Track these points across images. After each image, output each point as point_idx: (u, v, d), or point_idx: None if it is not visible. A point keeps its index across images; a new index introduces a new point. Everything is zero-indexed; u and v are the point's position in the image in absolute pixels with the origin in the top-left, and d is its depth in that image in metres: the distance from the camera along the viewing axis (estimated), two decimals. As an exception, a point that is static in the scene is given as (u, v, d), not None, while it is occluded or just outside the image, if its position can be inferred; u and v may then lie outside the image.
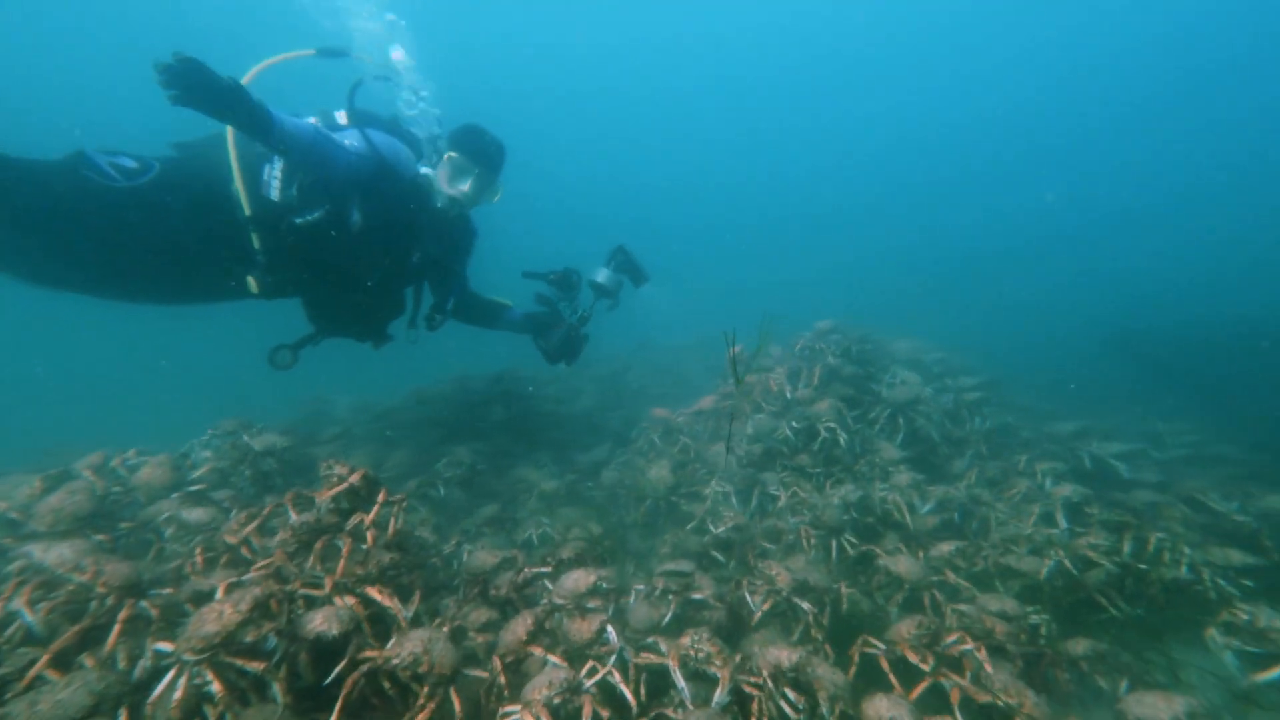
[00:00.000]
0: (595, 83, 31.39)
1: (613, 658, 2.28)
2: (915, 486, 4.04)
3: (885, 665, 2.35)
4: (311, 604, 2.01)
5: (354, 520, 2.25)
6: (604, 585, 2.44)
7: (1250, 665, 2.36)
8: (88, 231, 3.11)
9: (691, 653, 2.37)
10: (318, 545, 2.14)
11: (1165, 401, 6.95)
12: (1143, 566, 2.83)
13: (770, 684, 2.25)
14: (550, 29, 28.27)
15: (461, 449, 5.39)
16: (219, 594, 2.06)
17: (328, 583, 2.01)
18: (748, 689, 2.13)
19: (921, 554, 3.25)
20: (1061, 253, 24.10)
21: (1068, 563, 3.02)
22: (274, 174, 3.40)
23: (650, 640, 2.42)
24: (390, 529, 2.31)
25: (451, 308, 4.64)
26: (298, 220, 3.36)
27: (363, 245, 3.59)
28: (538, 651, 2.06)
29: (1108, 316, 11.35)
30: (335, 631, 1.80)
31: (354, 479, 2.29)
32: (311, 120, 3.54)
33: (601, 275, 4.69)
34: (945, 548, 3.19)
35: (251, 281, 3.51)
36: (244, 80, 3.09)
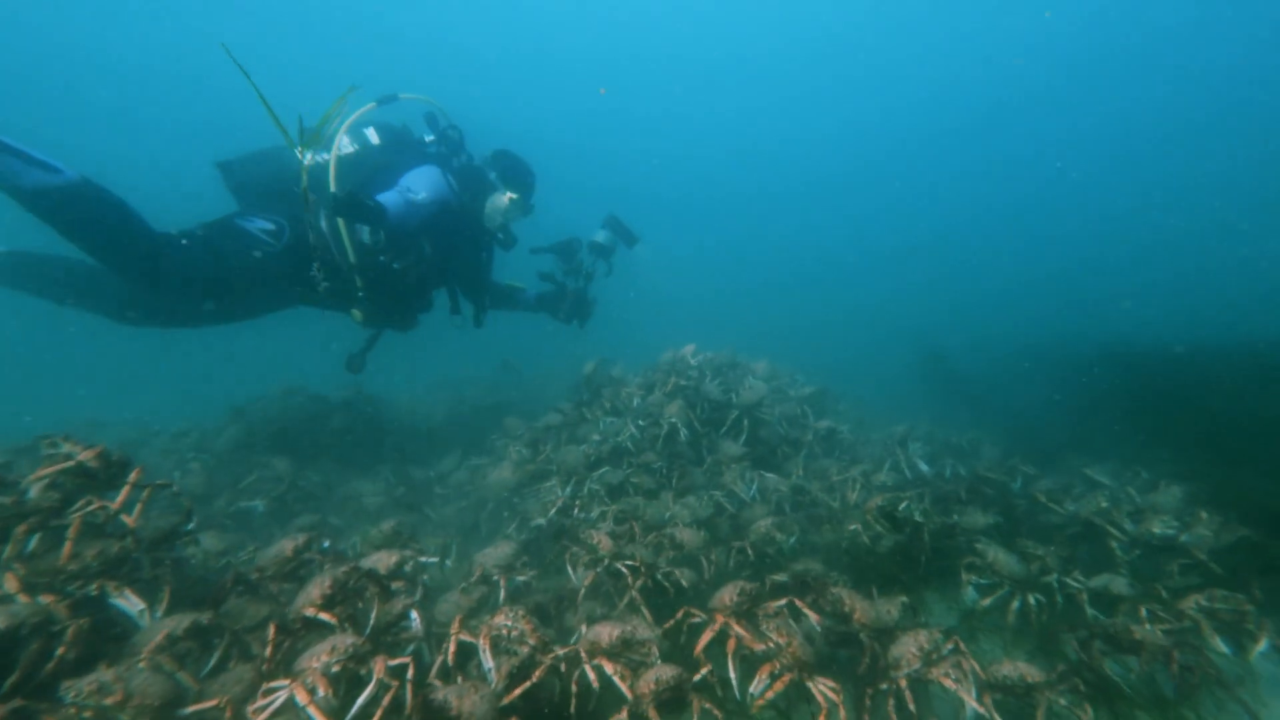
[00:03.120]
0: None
1: (412, 646, 2.10)
2: (742, 475, 4.32)
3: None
4: None
5: (82, 506, 1.85)
6: (409, 567, 2.25)
7: (984, 594, 2.82)
8: (252, 282, 4.10)
9: (504, 631, 2.26)
10: (19, 532, 1.72)
11: (959, 412, 8.17)
12: (918, 519, 3.28)
13: (584, 655, 2.22)
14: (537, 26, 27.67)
15: (280, 461, 4.77)
16: None
17: (9, 579, 1.60)
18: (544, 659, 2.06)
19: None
20: (883, 269, 27.54)
21: (865, 536, 3.38)
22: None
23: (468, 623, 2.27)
24: (135, 515, 1.93)
25: (488, 304, 5.43)
26: (395, 265, 4.30)
27: (431, 268, 4.59)
28: (329, 619, 1.80)
29: (917, 331, 13.20)
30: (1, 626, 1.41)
31: (85, 455, 1.90)
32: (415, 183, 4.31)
33: (600, 235, 5.35)
34: (763, 524, 3.42)
35: (356, 314, 4.41)
36: (342, 130, 4.19)
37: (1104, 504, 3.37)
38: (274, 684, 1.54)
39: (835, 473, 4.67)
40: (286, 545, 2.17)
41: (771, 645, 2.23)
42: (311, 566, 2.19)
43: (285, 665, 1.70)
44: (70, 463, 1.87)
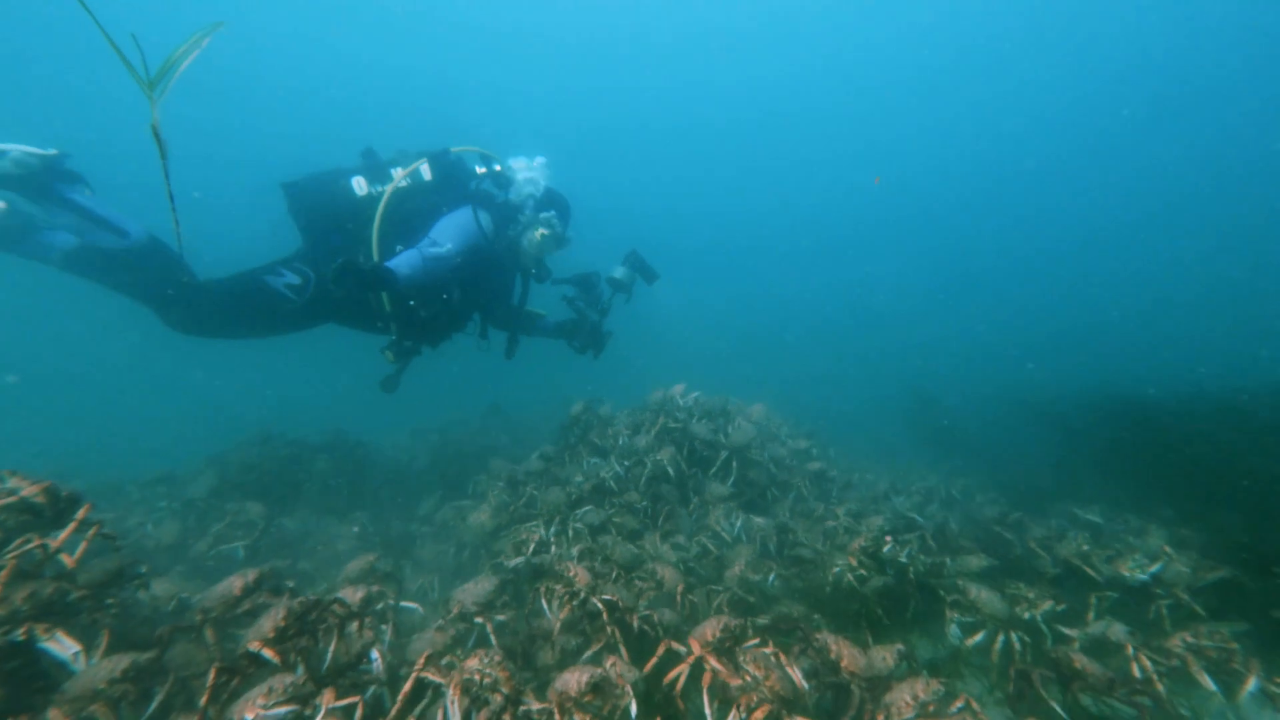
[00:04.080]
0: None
1: (372, 689, 1.99)
2: (727, 515, 4.24)
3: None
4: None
5: (20, 544, 1.79)
6: (380, 606, 2.16)
7: (967, 633, 2.73)
8: (281, 325, 4.46)
9: (477, 677, 2.15)
10: (-45, 571, 1.65)
11: (950, 461, 8.12)
12: (902, 560, 3.21)
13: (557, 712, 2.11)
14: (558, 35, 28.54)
15: (254, 507, 4.64)
16: None
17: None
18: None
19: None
20: (878, 321, 27.87)
21: (850, 576, 3.29)
22: None
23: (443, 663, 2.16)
24: (77, 555, 1.86)
25: (518, 333, 5.49)
26: (424, 314, 4.46)
27: (460, 309, 4.78)
28: (272, 656, 1.69)
29: (908, 383, 13.27)
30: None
31: (30, 491, 1.85)
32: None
33: (618, 271, 5.42)
34: (739, 567, 3.32)
35: (388, 355, 4.61)
36: (383, 203, 4.28)
37: (1085, 546, 3.32)
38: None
39: (822, 514, 4.60)
40: (235, 583, 2.07)
41: (749, 679, 2.14)
42: (264, 608, 2.09)
43: (225, 711, 1.60)
44: (13, 498, 1.82)
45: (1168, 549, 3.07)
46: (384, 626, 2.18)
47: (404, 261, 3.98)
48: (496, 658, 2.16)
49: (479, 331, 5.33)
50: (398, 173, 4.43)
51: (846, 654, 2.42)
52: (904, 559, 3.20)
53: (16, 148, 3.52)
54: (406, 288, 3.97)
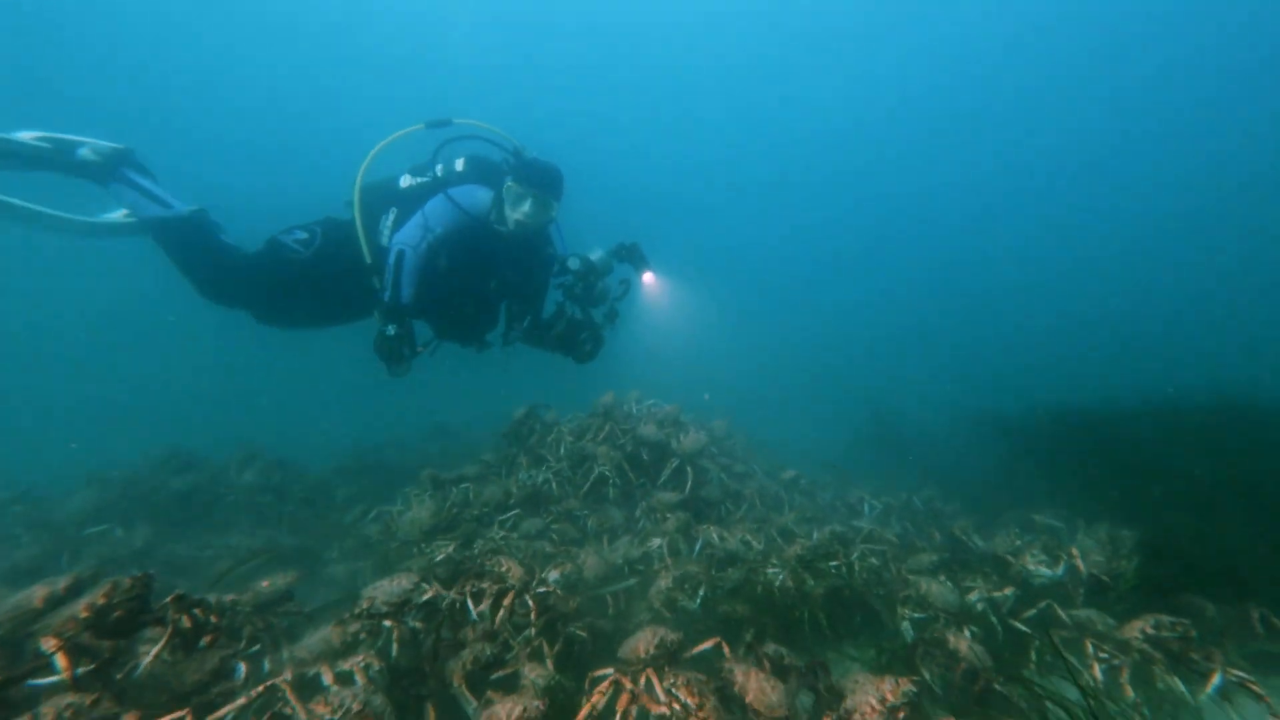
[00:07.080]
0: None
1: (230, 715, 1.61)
2: (681, 530, 3.96)
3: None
4: None
5: None
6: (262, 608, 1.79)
7: (920, 630, 2.55)
8: (295, 286, 4.45)
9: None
10: None
11: (911, 474, 8.06)
12: (843, 568, 3.02)
13: None
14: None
15: (143, 529, 4.06)
16: None
17: None
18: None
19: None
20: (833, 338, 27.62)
21: (791, 583, 3.02)
22: (386, 224, 4.39)
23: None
24: None
25: (527, 326, 4.93)
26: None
27: (450, 278, 4.37)
28: (62, 666, 1.29)
29: (870, 400, 13.21)
30: None
31: None
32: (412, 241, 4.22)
33: (594, 254, 4.77)
34: (664, 583, 3.04)
35: (378, 315, 4.34)
36: (369, 156, 4.40)
37: (1017, 542, 3.26)
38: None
39: (776, 523, 4.37)
40: (37, 593, 1.57)
41: (678, 707, 1.85)
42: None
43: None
44: None
45: (1075, 551, 3.09)
46: (245, 630, 1.80)
47: (404, 282, 4.12)
48: (354, 694, 1.81)
49: (503, 332, 4.82)
50: (438, 168, 4.52)
51: (753, 688, 2.03)
52: (849, 565, 2.99)
53: (95, 141, 4.08)
54: (418, 299, 4.11)
